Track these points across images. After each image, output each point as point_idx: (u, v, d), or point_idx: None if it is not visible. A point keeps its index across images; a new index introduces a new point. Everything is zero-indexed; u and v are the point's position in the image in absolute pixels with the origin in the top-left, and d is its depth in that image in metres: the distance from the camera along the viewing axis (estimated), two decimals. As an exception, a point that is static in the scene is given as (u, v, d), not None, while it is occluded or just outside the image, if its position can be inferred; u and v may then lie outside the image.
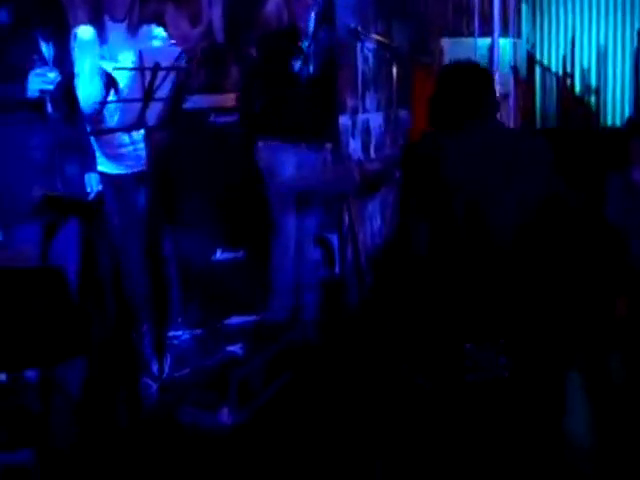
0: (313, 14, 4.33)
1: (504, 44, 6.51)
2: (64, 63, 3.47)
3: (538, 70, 7.50)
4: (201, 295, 4.61)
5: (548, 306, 2.75)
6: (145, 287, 3.85)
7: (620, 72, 7.20)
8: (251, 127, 4.53)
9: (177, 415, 3.42)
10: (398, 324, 2.89)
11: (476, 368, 2.65)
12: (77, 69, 3.59)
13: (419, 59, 6.36)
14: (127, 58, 3.72)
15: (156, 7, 4.77)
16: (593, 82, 7.31)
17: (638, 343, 3.04)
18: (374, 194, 5.38)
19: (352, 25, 4.63)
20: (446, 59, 6.41)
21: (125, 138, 3.82)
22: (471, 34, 6.66)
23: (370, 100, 5.57)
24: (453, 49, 6.57)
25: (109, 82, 3.71)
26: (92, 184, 3.55)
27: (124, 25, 3.78)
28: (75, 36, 3.66)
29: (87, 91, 3.64)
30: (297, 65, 4.34)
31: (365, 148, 5.45)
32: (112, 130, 3.73)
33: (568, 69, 7.36)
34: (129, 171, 3.86)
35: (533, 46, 7.49)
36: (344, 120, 5.12)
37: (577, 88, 7.39)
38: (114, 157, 3.85)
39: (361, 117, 5.42)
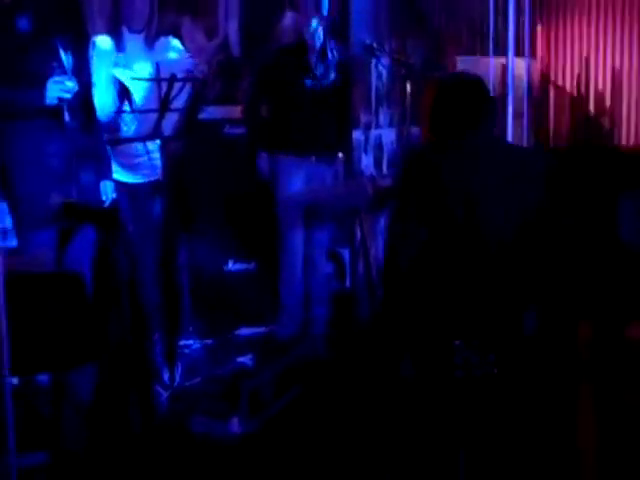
0: (321, 29, 4.35)
1: (518, 64, 6.52)
2: (82, 72, 3.50)
3: (552, 90, 7.50)
4: (212, 305, 4.63)
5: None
6: (158, 296, 3.87)
7: (635, 93, 7.20)
8: (256, 140, 4.56)
9: (187, 423, 3.43)
10: (397, 324, 2.94)
11: (465, 365, 2.69)
12: (95, 78, 3.63)
13: (434, 76, 6.37)
14: (144, 69, 3.76)
15: (173, 19, 4.82)
16: (607, 103, 7.30)
17: None
18: (386, 209, 5.39)
19: (367, 41, 4.66)
20: (460, 77, 6.41)
21: (140, 148, 3.84)
22: (485, 53, 6.68)
23: (383, 116, 5.59)
24: (467, 68, 6.58)
25: (123, 92, 3.74)
26: (107, 192, 3.59)
27: (142, 36, 3.82)
28: (94, 45, 3.71)
29: (103, 100, 3.68)
30: (306, 80, 4.36)
31: (377, 163, 5.47)
32: (128, 140, 3.76)
33: (582, 90, 7.36)
34: (144, 180, 3.89)
35: (547, 66, 7.50)
36: (357, 135, 5.15)
37: (591, 109, 7.39)
38: (129, 166, 3.89)
39: (374, 132, 5.45)
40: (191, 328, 4.41)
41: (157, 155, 3.82)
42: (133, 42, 3.81)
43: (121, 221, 3.56)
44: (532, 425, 2.78)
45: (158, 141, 3.75)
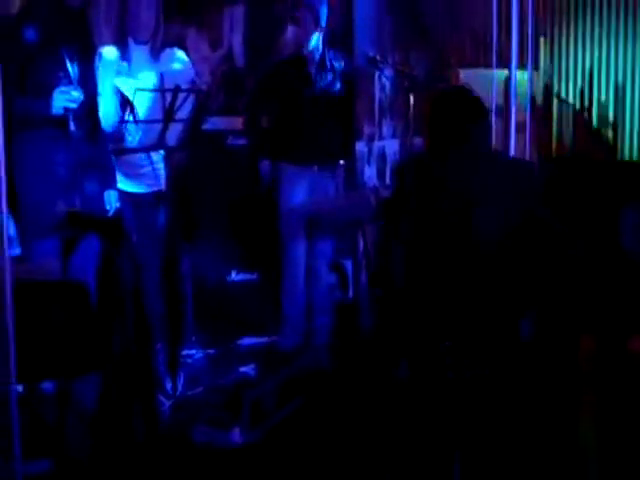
0: (320, 41, 4.37)
1: (521, 76, 6.54)
2: (88, 82, 3.54)
3: (555, 103, 7.51)
4: (215, 315, 4.64)
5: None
6: (161, 305, 3.88)
7: (638, 106, 7.21)
8: (257, 149, 4.58)
9: (190, 432, 3.44)
10: (392, 328, 3.00)
11: (456, 366, 2.73)
12: (100, 89, 3.66)
13: (436, 89, 6.40)
14: (149, 80, 3.78)
15: (178, 31, 4.85)
16: (611, 115, 7.31)
17: None
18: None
19: (370, 53, 4.68)
20: (463, 90, 6.43)
21: (144, 158, 3.85)
22: (488, 65, 6.70)
23: (387, 127, 5.61)
24: (470, 80, 6.59)
25: (124, 102, 3.75)
26: (111, 201, 3.61)
27: (147, 47, 3.83)
28: (100, 56, 3.73)
29: (108, 110, 3.70)
30: (306, 90, 4.37)
31: (381, 175, 5.48)
32: (133, 150, 3.77)
33: (586, 102, 7.37)
34: (148, 190, 3.90)
35: (551, 78, 7.51)
36: (360, 146, 5.16)
37: (594, 121, 7.40)
38: (133, 176, 3.90)
39: (377, 144, 5.46)
40: (194, 338, 4.42)
41: (161, 165, 3.84)
42: (139, 53, 3.83)
43: (125, 231, 3.57)
44: (530, 431, 2.80)
45: (162, 151, 3.77)
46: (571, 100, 7.47)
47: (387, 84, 5.53)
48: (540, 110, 7.21)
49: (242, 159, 4.88)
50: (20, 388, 2.87)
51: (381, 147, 5.51)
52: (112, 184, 3.67)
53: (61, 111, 3.38)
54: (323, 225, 4.54)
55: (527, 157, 6.64)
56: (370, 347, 3.74)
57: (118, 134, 3.75)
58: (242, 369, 4.29)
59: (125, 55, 3.81)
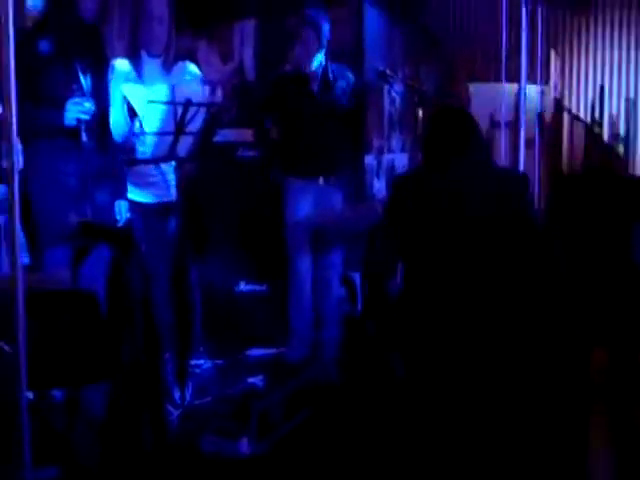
0: (321, 56, 4.38)
1: (531, 90, 6.56)
2: (100, 94, 3.58)
3: (566, 117, 7.53)
4: (223, 325, 4.65)
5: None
6: (170, 315, 3.90)
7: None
8: (269, 163, 4.61)
9: (198, 442, 3.45)
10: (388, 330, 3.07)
11: (450, 365, 2.81)
12: (112, 100, 3.70)
13: (446, 103, 6.43)
14: (161, 92, 3.81)
15: (190, 44, 4.89)
16: (621, 130, 7.32)
17: None
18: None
19: (380, 68, 4.71)
20: (473, 104, 6.47)
21: (155, 168, 3.88)
22: (498, 80, 6.73)
23: (396, 141, 5.64)
24: (480, 94, 6.63)
25: (132, 113, 3.79)
26: (122, 212, 3.64)
27: (160, 61, 3.87)
28: (113, 69, 3.76)
29: (119, 122, 3.74)
30: (307, 107, 4.39)
31: (390, 188, 5.50)
32: (144, 161, 3.81)
33: (596, 117, 7.38)
34: (158, 200, 3.93)
35: (561, 93, 7.53)
36: (370, 160, 5.19)
37: (605, 136, 7.41)
38: (144, 186, 3.92)
39: (386, 157, 5.49)
40: (202, 348, 4.43)
41: (172, 176, 3.87)
42: (151, 66, 3.86)
43: (135, 241, 3.60)
44: (542, 443, 2.82)
45: (173, 162, 3.80)
46: (582, 114, 7.48)
47: (397, 98, 5.56)
48: (550, 125, 7.23)
49: (252, 171, 4.91)
50: (30, 395, 2.90)
51: (390, 160, 5.54)
52: (123, 194, 3.70)
53: (74, 122, 3.43)
54: (329, 237, 4.55)
55: (536, 171, 6.65)
56: (375, 355, 3.76)
57: (129, 145, 3.78)
58: (250, 380, 4.30)
59: (138, 68, 3.84)
